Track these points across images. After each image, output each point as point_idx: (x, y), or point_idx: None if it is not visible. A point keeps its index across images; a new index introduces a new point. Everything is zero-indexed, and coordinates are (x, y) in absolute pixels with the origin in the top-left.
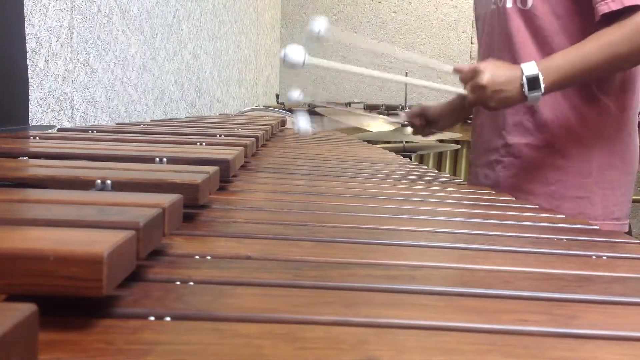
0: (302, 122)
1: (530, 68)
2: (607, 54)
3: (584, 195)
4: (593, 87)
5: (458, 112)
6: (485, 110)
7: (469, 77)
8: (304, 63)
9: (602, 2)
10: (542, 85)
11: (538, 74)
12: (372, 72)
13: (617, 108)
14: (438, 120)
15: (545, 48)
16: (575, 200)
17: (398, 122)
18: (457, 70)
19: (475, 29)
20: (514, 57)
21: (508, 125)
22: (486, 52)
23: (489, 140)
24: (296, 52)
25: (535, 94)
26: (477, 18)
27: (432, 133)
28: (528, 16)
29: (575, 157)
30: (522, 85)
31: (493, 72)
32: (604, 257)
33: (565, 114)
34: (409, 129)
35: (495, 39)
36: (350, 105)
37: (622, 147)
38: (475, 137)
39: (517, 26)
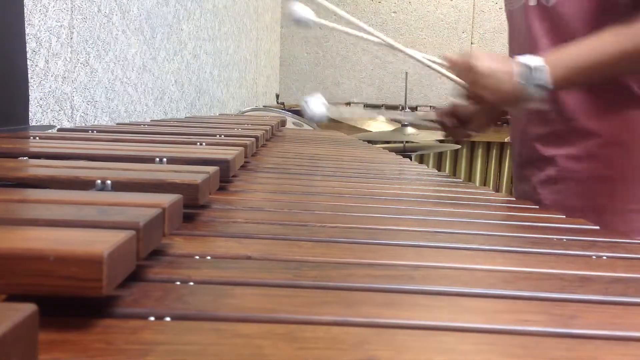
0: (316, 106)
1: (529, 58)
2: (625, 47)
3: (637, 208)
4: (634, 85)
5: (492, 111)
6: (514, 119)
7: (462, 69)
8: (312, 21)
9: None
10: (546, 79)
11: (537, 66)
12: (385, 38)
13: None
14: (471, 120)
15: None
16: (627, 213)
17: (426, 122)
18: (447, 60)
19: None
20: None
21: (541, 136)
22: (513, 53)
23: (520, 153)
24: (305, 9)
25: (539, 89)
26: (507, 15)
27: (467, 136)
28: (550, 14)
29: (623, 165)
30: (513, 72)
31: (486, 62)
32: (604, 257)
33: (605, 118)
34: (410, 129)
35: (517, 38)
36: (350, 105)
37: None
38: (511, 146)
39: (538, 25)
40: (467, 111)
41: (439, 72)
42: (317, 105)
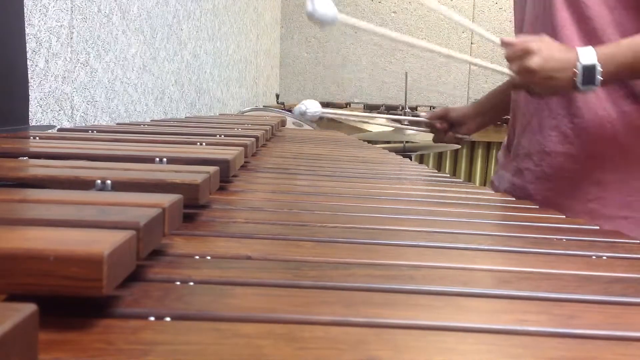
0: (310, 104)
1: (588, 55)
2: None
3: (629, 215)
4: None
5: (484, 116)
6: (518, 109)
7: (517, 55)
8: (334, 19)
9: None
10: (598, 79)
11: (595, 64)
12: (411, 40)
13: None
14: (463, 124)
15: (592, 42)
16: (617, 220)
17: (417, 125)
18: (505, 44)
19: (513, 20)
20: None
21: (545, 130)
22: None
23: (520, 144)
24: (326, 5)
25: (589, 87)
26: (516, 3)
27: (458, 140)
28: (577, 6)
29: (620, 172)
30: (574, 73)
31: (546, 56)
32: (604, 257)
33: (610, 121)
34: (409, 130)
35: (539, 31)
36: (350, 106)
37: None
38: (508, 136)
39: (564, 17)
40: (458, 116)
41: (483, 67)
42: (310, 104)
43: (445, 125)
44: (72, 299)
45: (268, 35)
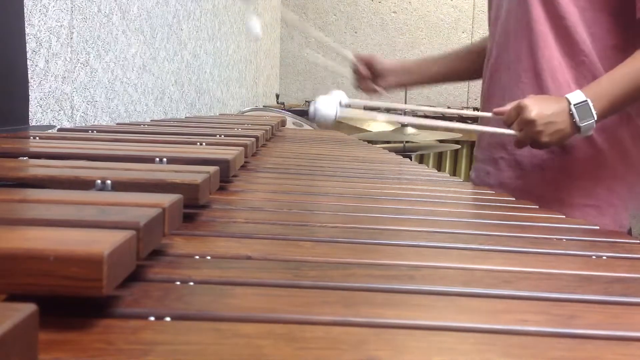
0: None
1: (576, 96)
2: None
3: (594, 204)
4: None
5: (407, 76)
6: (489, 102)
7: (513, 115)
8: (335, 117)
9: None
10: (594, 112)
11: (587, 100)
12: (412, 120)
13: (636, 115)
14: (385, 76)
15: (565, 39)
16: (584, 208)
17: (342, 61)
18: (497, 113)
19: (487, 19)
20: (532, 48)
21: None
22: (502, 40)
23: (495, 134)
24: (327, 105)
25: (588, 122)
26: (491, 1)
27: (374, 91)
28: (550, 3)
29: (589, 162)
30: (571, 115)
31: (539, 106)
32: (604, 257)
33: None
34: (410, 129)
35: (512, 26)
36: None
37: (637, 158)
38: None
39: (538, 14)
40: (384, 67)
41: (480, 130)
42: (327, 106)
43: (367, 72)
44: (72, 299)
45: (268, 35)
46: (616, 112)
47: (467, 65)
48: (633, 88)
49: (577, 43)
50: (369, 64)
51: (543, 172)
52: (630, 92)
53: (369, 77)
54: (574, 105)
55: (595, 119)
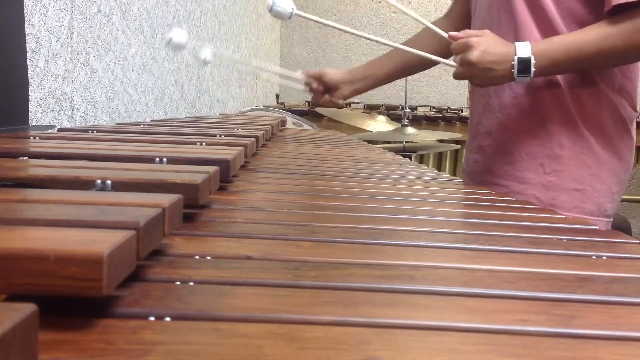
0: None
1: (523, 49)
2: (603, 47)
3: (580, 188)
4: (594, 74)
5: (358, 83)
6: (476, 90)
7: (458, 49)
8: (291, 14)
9: None
10: (532, 70)
11: (530, 57)
12: (364, 34)
13: (616, 100)
14: (337, 88)
15: (548, 32)
16: (571, 192)
17: (296, 81)
18: (451, 37)
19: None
20: (517, 38)
21: (503, 106)
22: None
23: (480, 122)
24: (284, 2)
25: (524, 77)
26: None
27: (334, 104)
28: None
29: (573, 147)
30: (512, 66)
31: (485, 49)
32: (604, 257)
33: (564, 98)
34: (410, 129)
35: (495, 16)
36: (350, 106)
37: (620, 143)
38: (470, 119)
39: (521, 5)
40: (333, 80)
41: (427, 58)
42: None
43: (321, 87)
44: (72, 299)
45: (268, 35)
46: (555, 74)
47: (426, 50)
48: (578, 57)
49: (557, 32)
50: (320, 79)
51: (531, 157)
52: (575, 59)
53: (322, 91)
54: (518, 57)
55: (532, 77)
